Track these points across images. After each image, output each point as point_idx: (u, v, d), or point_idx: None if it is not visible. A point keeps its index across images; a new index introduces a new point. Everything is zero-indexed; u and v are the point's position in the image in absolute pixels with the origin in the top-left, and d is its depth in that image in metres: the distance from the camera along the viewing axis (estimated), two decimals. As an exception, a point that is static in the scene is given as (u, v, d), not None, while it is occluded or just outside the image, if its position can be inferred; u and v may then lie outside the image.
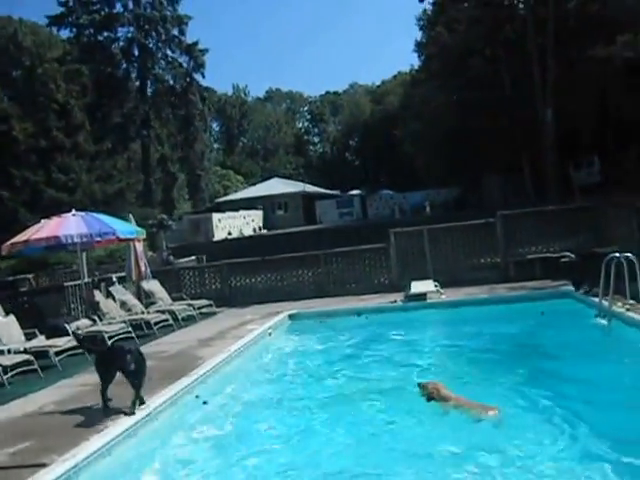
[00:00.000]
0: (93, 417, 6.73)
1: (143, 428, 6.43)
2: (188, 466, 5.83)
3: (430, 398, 6.88)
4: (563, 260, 15.00)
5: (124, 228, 12.72)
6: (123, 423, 6.33)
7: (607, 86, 23.86)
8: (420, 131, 48.81)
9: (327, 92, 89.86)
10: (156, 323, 12.54)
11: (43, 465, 5.37)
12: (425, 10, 55.10)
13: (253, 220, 48.81)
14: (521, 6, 32.27)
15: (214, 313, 15.12)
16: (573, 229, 15.73)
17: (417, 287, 13.95)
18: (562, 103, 23.21)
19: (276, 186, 55.01)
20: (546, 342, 10.10)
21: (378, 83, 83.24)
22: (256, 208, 50.41)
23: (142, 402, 6.74)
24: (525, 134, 36.86)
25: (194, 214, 42.55)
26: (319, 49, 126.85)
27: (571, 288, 12.83)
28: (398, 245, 16.29)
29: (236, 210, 48.00)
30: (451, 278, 15.15)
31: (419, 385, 7.25)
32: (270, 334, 11.83)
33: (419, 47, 57.35)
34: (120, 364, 6.69)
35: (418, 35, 59.65)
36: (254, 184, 66.25)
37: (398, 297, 14.16)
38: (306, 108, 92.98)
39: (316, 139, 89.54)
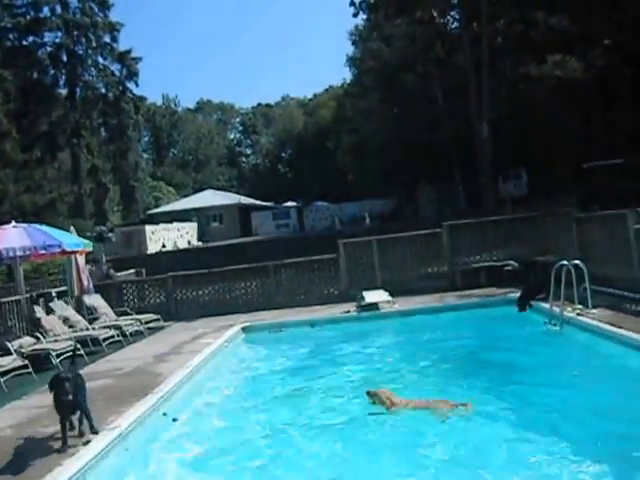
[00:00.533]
0: (59, 440, 6.36)
1: (115, 449, 6.13)
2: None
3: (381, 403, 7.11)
4: (507, 269, 15.52)
5: (70, 240, 12.19)
6: (94, 446, 6.01)
7: (538, 103, 24.88)
8: (355, 144, 49.41)
9: (259, 104, 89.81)
10: (105, 339, 12.04)
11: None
12: (357, 26, 56.36)
13: (187, 232, 47.95)
14: (455, 24, 33.23)
15: (162, 327, 14.71)
16: (514, 238, 16.23)
17: (370, 297, 14.03)
18: (495, 118, 24.05)
19: (210, 198, 54.33)
20: (501, 348, 10.35)
21: (310, 96, 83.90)
22: (190, 220, 49.58)
23: (94, 431, 6.39)
24: (458, 147, 37.94)
25: (126, 226, 41.39)
26: (249, 61, 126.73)
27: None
28: (347, 255, 16.35)
29: (169, 222, 47.04)
30: (400, 287, 15.30)
31: (368, 393, 7.39)
32: (226, 347, 11.60)
33: (352, 61, 58.37)
34: (59, 395, 6.20)
35: (350, 50, 60.92)
36: (186, 196, 65.23)
37: (350, 307, 14.20)
38: (238, 119, 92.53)
39: (249, 151, 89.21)
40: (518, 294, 13.12)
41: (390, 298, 13.72)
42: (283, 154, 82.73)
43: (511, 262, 15.53)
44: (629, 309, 10.15)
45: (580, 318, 10.01)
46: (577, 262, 10.33)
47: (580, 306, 10.57)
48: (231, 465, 6.05)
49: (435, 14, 40.10)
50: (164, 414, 7.33)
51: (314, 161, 72.71)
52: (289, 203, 56.52)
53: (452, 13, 37.66)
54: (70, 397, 6.08)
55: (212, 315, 15.74)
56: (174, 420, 7.19)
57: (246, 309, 16.01)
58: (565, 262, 10.59)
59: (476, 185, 39.64)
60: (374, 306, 13.75)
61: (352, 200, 50.87)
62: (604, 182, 24.57)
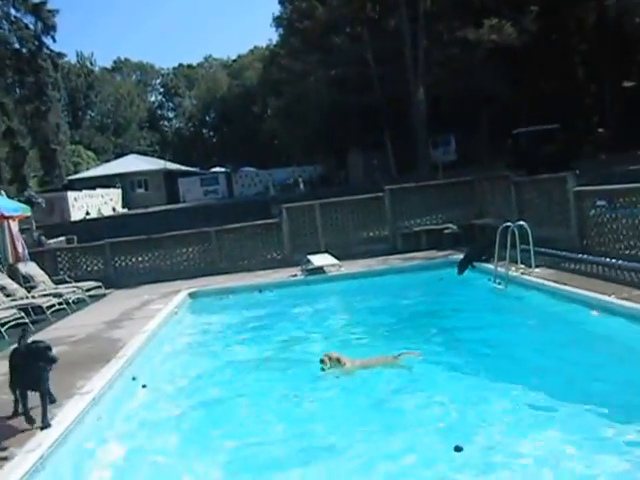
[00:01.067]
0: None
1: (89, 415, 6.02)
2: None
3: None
4: (446, 232, 15.99)
5: (9, 205, 11.61)
6: (70, 412, 5.87)
7: (472, 68, 25.41)
8: (284, 108, 48.95)
9: (181, 65, 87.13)
10: (48, 307, 11.62)
11: (5, 459, 4.88)
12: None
13: (112, 199, 46.55)
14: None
15: (104, 295, 14.33)
16: (452, 202, 16.70)
17: (316, 261, 14.14)
18: (432, 82, 24.37)
19: (134, 163, 52.78)
20: (449, 307, 10.70)
21: (234, 57, 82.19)
22: (114, 186, 48.07)
23: (52, 400, 5.95)
24: (389, 112, 38.33)
25: (47, 192, 39.61)
26: (169, 18, 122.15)
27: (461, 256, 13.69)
28: (290, 220, 16.35)
29: (92, 188, 45.44)
30: (343, 252, 15.47)
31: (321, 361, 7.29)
32: (176, 313, 11.46)
33: (279, 21, 57.31)
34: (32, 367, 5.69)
35: (276, 9, 59.62)
36: (108, 161, 63.09)
37: (296, 271, 14.28)
38: (159, 81, 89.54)
39: (171, 114, 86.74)
40: (460, 256, 13.67)
41: (337, 261, 13.88)
42: (207, 117, 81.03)
43: (450, 225, 16.01)
44: (568, 268, 10.70)
45: (524, 277, 10.47)
46: (522, 223, 10.75)
47: (523, 266, 11.04)
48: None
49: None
50: (133, 379, 7.22)
51: (240, 125, 71.68)
52: (216, 169, 55.68)
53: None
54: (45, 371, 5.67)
55: (153, 282, 15.44)
56: (143, 386, 7.10)
57: (188, 275, 15.78)
58: (509, 224, 11.03)
59: (407, 151, 40.37)
60: (321, 270, 13.90)
61: (280, 166, 50.74)
62: (531, 148, 25.61)
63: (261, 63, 68.23)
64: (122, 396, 6.83)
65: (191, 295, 13.06)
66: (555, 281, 9.63)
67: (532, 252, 10.81)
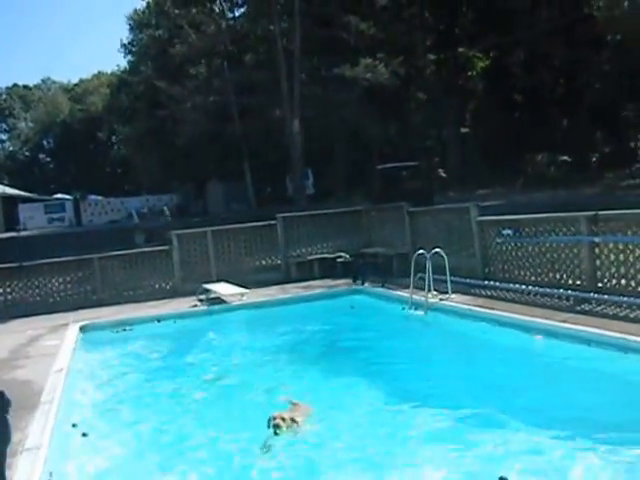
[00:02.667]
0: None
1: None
2: None
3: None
4: (339, 260, 16.10)
5: None
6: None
7: (349, 104, 26.23)
8: (139, 135, 47.20)
9: (15, 85, 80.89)
10: None
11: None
12: (137, 10, 53.77)
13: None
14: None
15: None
16: (342, 231, 16.91)
17: (219, 289, 13.56)
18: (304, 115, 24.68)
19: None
20: (371, 336, 10.61)
21: (76, 81, 77.99)
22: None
23: None
24: (250, 143, 38.37)
25: None
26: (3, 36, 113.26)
27: (365, 285, 13.86)
28: (181, 247, 15.57)
29: None
30: (236, 280, 14.93)
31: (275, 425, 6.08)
32: (74, 348, 10.31)
33: (131, 47, 55.48)
34: None
35: (125, 35, 57.80)
36: None
37: (194, 302, 13.58)
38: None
39: (4, 136, 80.00)
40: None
41: (242, 289, 13.35)
42: (45, 142, 75.82)
43: (342, 254, 16.13)
44: (482, 294, 11.15)
45: (446, 303, 10.74)
46: (438, 250, 11.06)
47: (435, 292, 11.28)
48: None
49: (224, 8, 40.07)
50: (74, 425, 6.29)
51: (83, 151, 67.92)
52: (59, 195, 52.16)
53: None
54: None
55: (25, 316, 13.88)
56: (84, 435, 6.21)
57: (66, 308, 14.39)
58: (422, 251, 11.32)
59: (267, 183, 40.57)
60: (221, 299, 13.34)
61: (131, 194, 48.70)
62: (393, 183, 26.75)
63: (107, 88, 65.51)
64: (67, 446, 5.91)
65: (82, 329, 11.84)
66: (480, 306, 9.97)
67: (449, 279, 11.12)
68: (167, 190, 45.89)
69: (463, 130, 39.24)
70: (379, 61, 23.67)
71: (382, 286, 13.31)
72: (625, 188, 22.62)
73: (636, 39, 22.62)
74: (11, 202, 45.61)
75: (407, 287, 12.63)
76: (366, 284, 13.96)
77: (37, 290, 14.75)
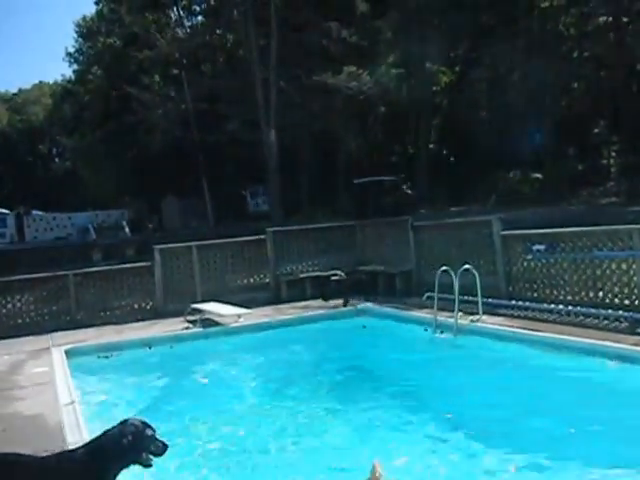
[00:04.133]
0: None
1: None
2: None
3: None
4: (334, 278, 15.07)
5: None
6: None
7: (328, 114, 25.40)
8: (82, 148, 45.16)
9: (-53, 93, 76.52)
10: None
11: None
12: (86, 17, 51.74)
13: None
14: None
15: None
16: (334, 247, 15.93)
17: (213, 309, 12.34)
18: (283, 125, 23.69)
19: None
20: (397, 363, 9.61)
21: (14, 91, 74.48)
22: None
23: None
24: (208, 156, 37.05)
25: None
26: None
27: (368, 305, 12.91)
28: (163, 264, 14.23)
29: None
30: (221, 300, 13.77)
31: None
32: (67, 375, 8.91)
33: (78, 55, 53.28)
34: None
35: (70, 44, 55.54)
36: None
37: (177, 324, 12.36)
38: None
39: None
40: (363, 304, 12.94)
41: (242, 310, 12.15)
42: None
43: (338, 272, 15.14)
44: (512, 315, 10.33)
45: (478, 324, 9.89)
46: (468, 267, 10.23)
47: (461, 313, 10.41)
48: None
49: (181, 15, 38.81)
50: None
51: (21, 164, 64.58)
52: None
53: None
54: None
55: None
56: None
57: (37, 329, 12.90)
58: (446, 268, 10.48)
59: (224, 198, 39.24)
60: (215, 320, 12.15)
61: (73, 210, 46.19)
62: (369, 197, 26.09)
63: (50, 98, 62.82)
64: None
65: (68, 353, 10.40)
66: (523, 327, 9.17)
67: (480, 299, 10.25)
68: (117, 205, 43.84)
69: (429, 146, 38.84)
70: (362, 70, 23.03)
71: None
72: (609, 205, 22.57)
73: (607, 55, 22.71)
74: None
75: (418, 307, 11.89)
76: (366, 304, 13.00)
77: (4, 310, 13.13)
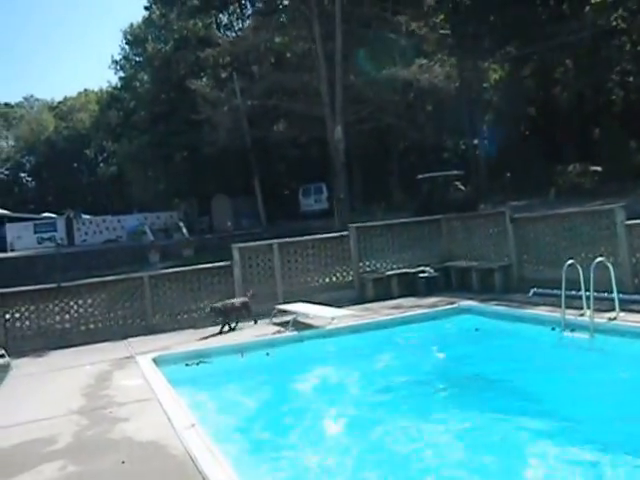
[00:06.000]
0: None
1: None
2: None
3: None
4: (422, 275, 13.98)
5: None
6: None
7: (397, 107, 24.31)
8: (130, 152, 44.85)
9: (-4, 103, 77.75)
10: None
11: None
12: (133, 25, 51.66)
13: None
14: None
15: (7, 366, 10.15)
16: (418, 243, 14.86)
17: (304, 310, 11.38)
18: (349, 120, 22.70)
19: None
20: (527, 370, 8.42)
21: (60, 99, 75.21)
22: None
23: None
24: (259, 156, 36.28)
25: None
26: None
27: (470, 302, 11.75)
28: (243, 263, 13.32)
29: None
30: (303, 300, 12.81)
31: None
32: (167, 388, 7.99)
33: (124, 62, 53.26)
34: None
35: (117, 50, 55.60)
36: None
37: (264, 327, 11.43)
38: (-32, 119, 78.80)
39: (-17, 155, 76.34)
40: (464, 302, 11.79)
41: (339, 311, 11.12)
42: (27, 160, 72.65)
43: (426, 268, 14.04)
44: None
45: (620, 323, 8.63)
46: (601, 259, 9.00)
47: (589, 310, 9.18)
48: None
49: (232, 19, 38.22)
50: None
51: (69, 169, 65.13)
52: (48, 214, 49.32)
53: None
54: None
55: (64, 347, 11.57)
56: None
57: (111, 335, 12.13)
58: (572, 261, 9.26)
59: (276, 198, 38.40)
60: (305, 322, 11.18)
61: (119, 213, 45.95)
62: (435, 193, 24.86)
63: (96, 105, 63.05)
64: None
65: (156, 361, 9.52)
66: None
67: (616, 294, 9.00)
68: (164, 207, 43.39)
69: (479, 142, 37.47)
70: (434, 62, 21.88)
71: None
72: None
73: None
74: (-1, 221, 42.76)
75: (530, 304, 10.76)
76: (468, 302, 11.82)
77: (76, 315, 12.37)
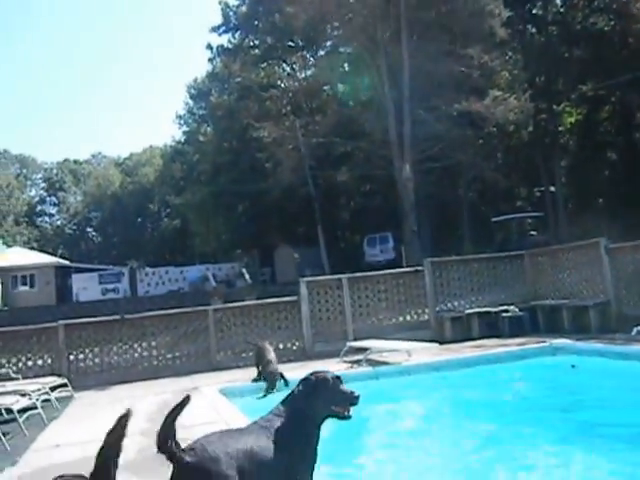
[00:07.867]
0: None
1: None
2: None
3: None
4: (505, 315, 12.92)
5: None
6: None
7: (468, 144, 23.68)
8: (194, 204, 45.32)
9: (66, 159, 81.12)
10: (19, 411, 6.99)
11: None
12: (196, 79, 53.43)
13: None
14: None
15: (71, 397, 9.62)
16: (500, 280, 13.87)
17: (379, 346, 10.51)
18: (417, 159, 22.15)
19: (19, 256, 46.01)
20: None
21: (126, 155, 77.94)
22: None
23: None
24: (323, 205, 35.92)
25: None
26: (52, 112, 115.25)
27: (565, 341, 10.62)
28: (311, 299, 12.61)
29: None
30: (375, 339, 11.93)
31: None
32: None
33: (189, 116, 54.86)
34: None
35: (181, 105, 57.35)
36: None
37: (335, 365, 10.55)
38: (40, 175, 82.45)
39: (53, 209, 79.35)
40: (558, 340, 10.66)
41: (416, 344, 10.22)
42: (93, 215, 74.89)
43: (510, 307, 12.97)
44: None
45: None
46: None
47: None
48: None
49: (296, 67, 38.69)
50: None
51: (133, 223, 66.64)
52: (110, 267, 50.18)
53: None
54: None
55: (122, 382, 11.04)
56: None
57: (171, 373, 11.54)
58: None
59: (339, 247, 37.76)
60: (380, 360, 10.29)
61: (187, 264, 46.29)
62: (513, 235, 23.77)
63: (160, 159, 64.87)
64: None
65: (222, 392, 8.80)
66: None
67: None
68: (227, 258, 43.38)
69: (553, 188, 36.12)
70: (509, 94, 21.19)
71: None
72: None
73: None
74: (64, 272, 43.51)
75: (630, 341, 9.62)
76: (562, 340, 10.70)
77: (139, 349, 11.84)
